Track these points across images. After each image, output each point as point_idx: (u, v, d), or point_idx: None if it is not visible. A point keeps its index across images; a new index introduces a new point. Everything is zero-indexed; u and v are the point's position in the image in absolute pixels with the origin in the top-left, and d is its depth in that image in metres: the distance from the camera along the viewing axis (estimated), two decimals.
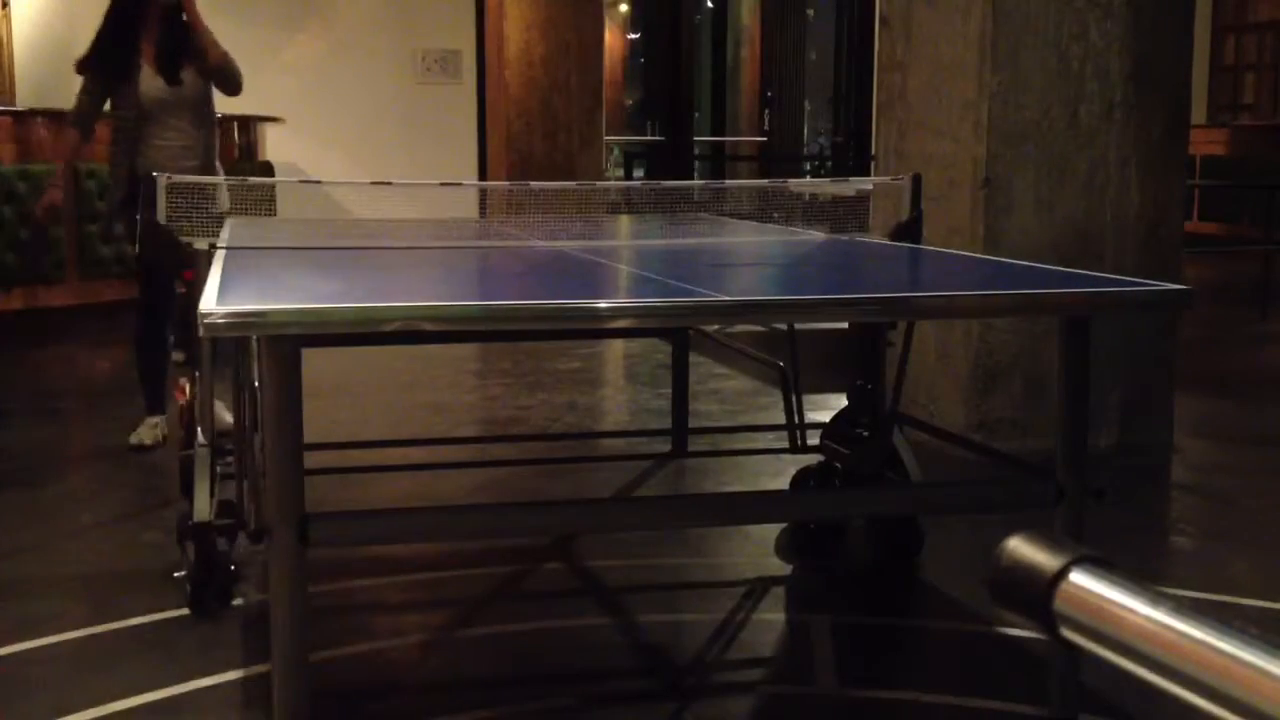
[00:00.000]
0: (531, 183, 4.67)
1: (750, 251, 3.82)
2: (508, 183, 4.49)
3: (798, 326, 3.94)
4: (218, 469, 3.43)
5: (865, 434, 3.70)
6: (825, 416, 3.98)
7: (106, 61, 4.75)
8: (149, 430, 4.88)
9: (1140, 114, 4.84)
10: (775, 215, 4.47)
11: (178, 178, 3.69)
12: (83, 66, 4.80)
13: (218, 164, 4.96)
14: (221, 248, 3.11)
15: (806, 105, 16.50)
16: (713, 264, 3.44)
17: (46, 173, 6.91)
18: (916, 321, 3.86)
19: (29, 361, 6.98)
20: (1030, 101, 4.77)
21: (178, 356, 3.62)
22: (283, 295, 2.52)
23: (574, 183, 4.78)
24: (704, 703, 2.90)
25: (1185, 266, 5.20)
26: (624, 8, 18.22)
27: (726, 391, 5.99)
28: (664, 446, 4.64)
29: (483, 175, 10.55)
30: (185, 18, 4.74)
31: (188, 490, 3.42)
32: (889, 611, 3.47)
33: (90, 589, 3.47)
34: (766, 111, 15.74)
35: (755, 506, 3.35)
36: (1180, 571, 3.75)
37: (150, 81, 4.73)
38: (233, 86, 4.83)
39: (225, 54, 4.76)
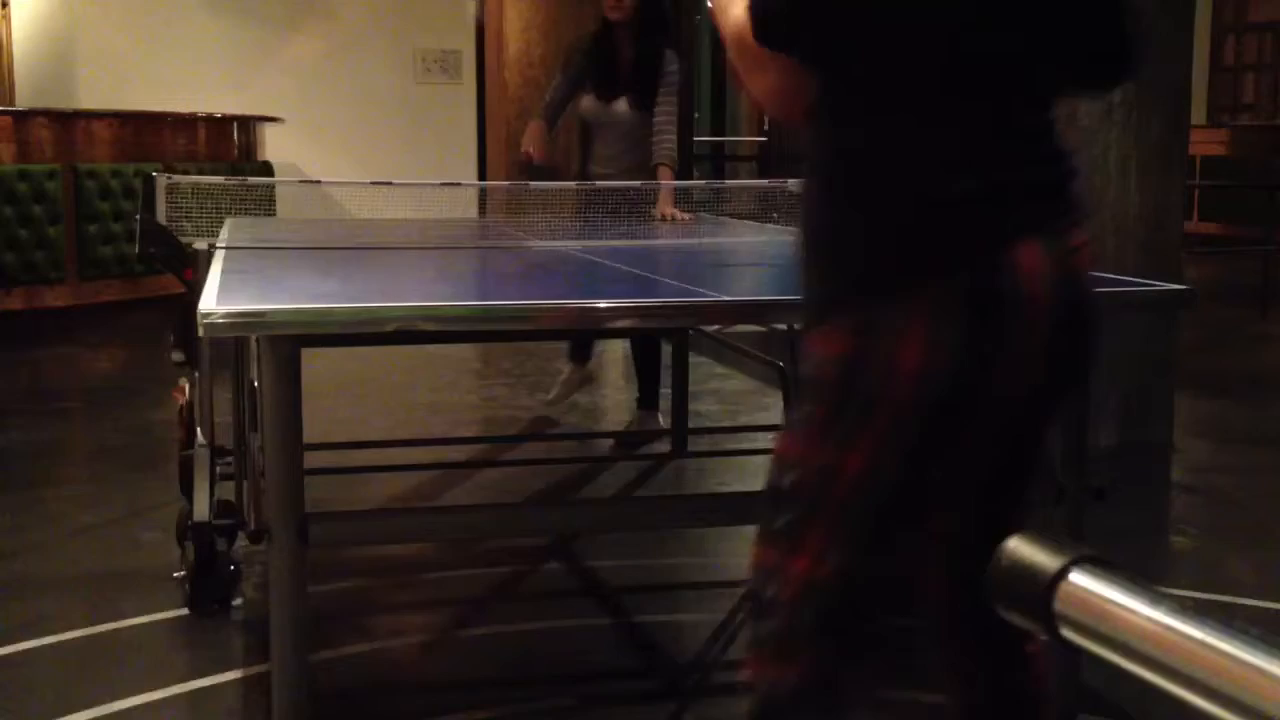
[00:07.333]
0: (531, 183, 4.67)
1: (750, 251, 3.82)
2: (507, 182, 4.48)
3: (797, 327, 3.93)
4: (218, 469, 3.43)
5: None
6: None
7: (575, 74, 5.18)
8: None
9: (1140, 114, 4.83)
10: (775, 215, 4.46)
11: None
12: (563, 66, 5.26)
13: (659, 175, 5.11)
14: (221, 247, 3.11)
15: None
16: (713, 264, 3.44)
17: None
18: None
19: (29, 361, 6.98)
20: None
21: (177, 356, 3.62)
22: (283, 295, 2.52)
23: (574, 182, 4.78)
24: (704, 703, 2.90)
25: (1185, 266, 5.19)
26: None
27: (726, 391, 5.99)
28: (664, 446, 4.64)
29: (482, 175, 10.55)
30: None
31: (188, 490, 3.42)
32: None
33: (90, 589, 3.47)
34: None
35: (755, 507, 3.34)
36: (1180, 571, 3.75)
37: (590, 99, 5.10)
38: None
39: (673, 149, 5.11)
